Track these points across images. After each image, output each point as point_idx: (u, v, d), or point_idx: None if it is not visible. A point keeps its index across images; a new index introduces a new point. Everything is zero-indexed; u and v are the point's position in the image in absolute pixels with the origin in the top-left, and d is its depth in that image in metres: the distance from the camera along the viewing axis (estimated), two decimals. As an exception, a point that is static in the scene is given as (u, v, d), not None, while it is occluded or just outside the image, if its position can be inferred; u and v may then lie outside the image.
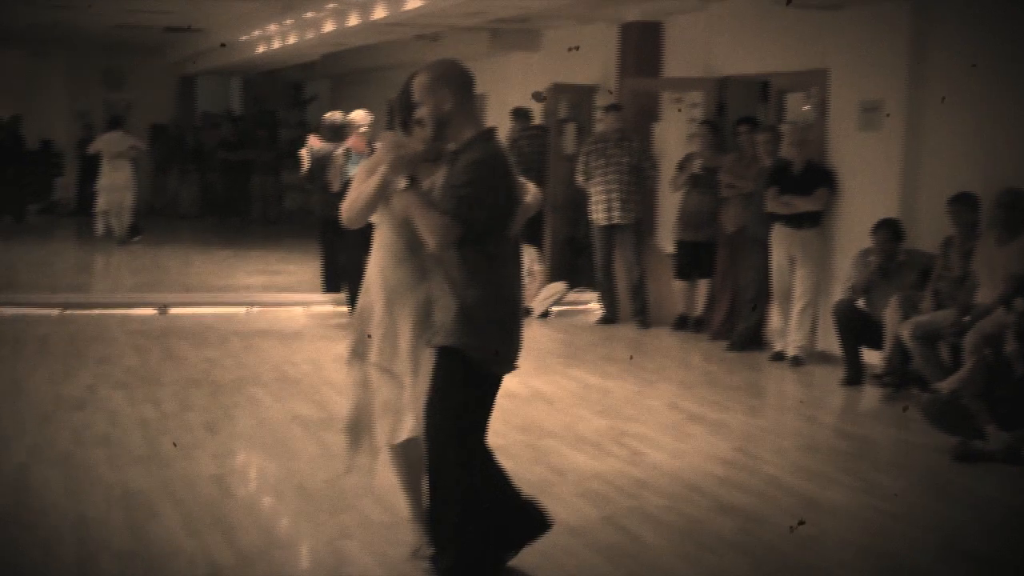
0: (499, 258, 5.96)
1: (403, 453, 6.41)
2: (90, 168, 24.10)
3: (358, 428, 6.44)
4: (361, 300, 6.44)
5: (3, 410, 9.89)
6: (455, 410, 5.98)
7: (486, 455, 6.17)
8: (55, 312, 14.86)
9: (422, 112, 6.01)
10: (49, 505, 7.45)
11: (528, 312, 15.32)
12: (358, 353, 6.44)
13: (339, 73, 28.01)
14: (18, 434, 9.13)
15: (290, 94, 33.28)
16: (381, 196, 6.10)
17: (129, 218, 23.09)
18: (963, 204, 10.98)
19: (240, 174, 28.80)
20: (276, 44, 22.94)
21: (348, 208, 6.25)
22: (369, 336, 6.35)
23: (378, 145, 6.25)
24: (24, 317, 14.52)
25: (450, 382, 5.97)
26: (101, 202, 23.16)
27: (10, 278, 18.21)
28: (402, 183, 5.94)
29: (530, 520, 6.37)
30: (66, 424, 9.46)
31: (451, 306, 5.92)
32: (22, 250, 22.02)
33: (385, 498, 7.46)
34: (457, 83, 6.01)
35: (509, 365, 6.11)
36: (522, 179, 6.28)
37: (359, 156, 13.83)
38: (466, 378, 5.96)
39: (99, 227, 23.37)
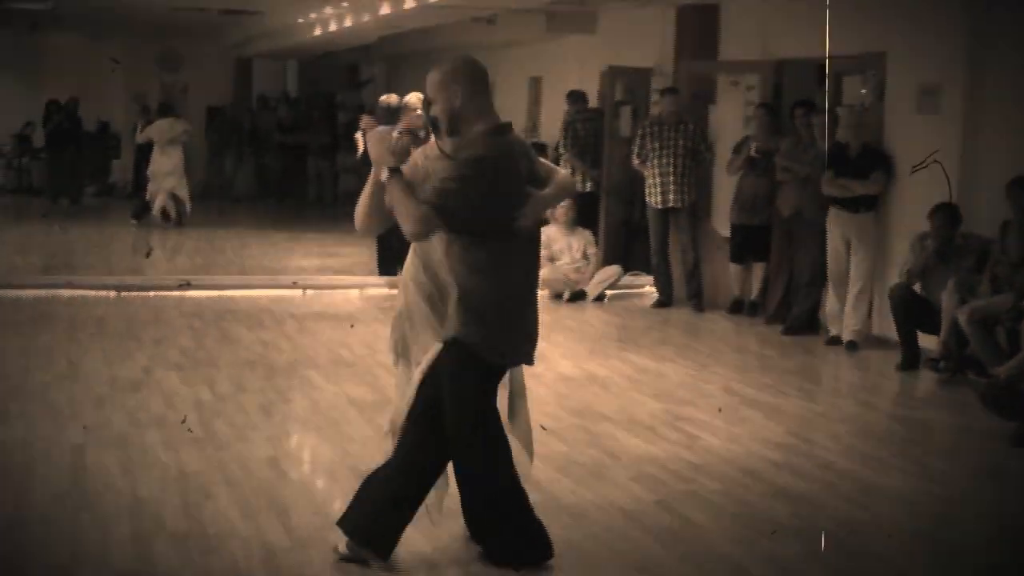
0: (505, 252, 6.01)
1: None
2: (147, 151, 24.13)
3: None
4: (400, 299, 6.46)
5: (60, 391, 9.95)
6: (472, 400, 6.08)
7: (505, 445, 6.25)
8: (111, 294, 14.95)
9: (435, 109, 6.08)
10: (105, 486, 7.50)
11: (583, 295, 15.30)
12: (399, 353, 6.48)
13: (395, 55, 28.01)
14: (75, 415, 9.19)
15: (346, 76, 33.31)
16: (378, 196, 6.11)
17: (180, 205, 23.05)
18: (1022, 188, 10.87)
19: (296, 157, 28.88)
20: (332, 26, 22.94)
21: (356, 216, 6.29)
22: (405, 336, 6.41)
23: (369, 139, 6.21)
24: (81, 299, 14.59)
25: (459, 373, 6.04)
26: (152, 188, 23.13)
27: (67, 260, 18.35)
28: (384, 174, 5.96)
29: (534, 540, 6.32)
30: (122, 405, 9.51)
31: (454, 299, 5.99)
32: (79, 232, 22.16)
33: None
34: (468, 78, 6.06)
35: (516, 358, 6.19)
36: (548, 164, 6.38)
37: (415, 138, 13.81)
38: (472, 369, 6.03)
39: (151, 211, 23.22)
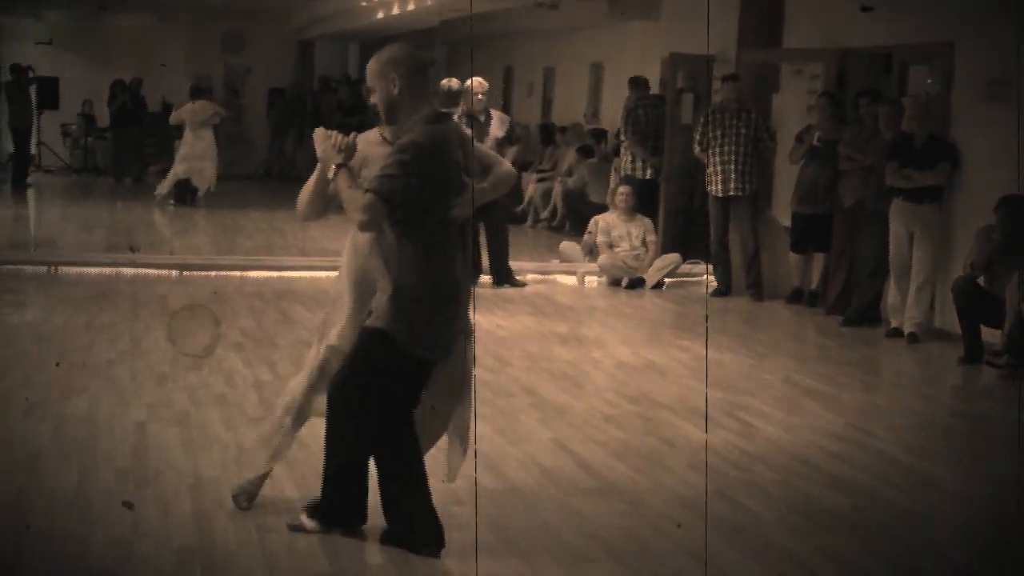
0: (436, 242, 6.05)
1: None
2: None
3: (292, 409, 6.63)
4: (334, 285, 6.70)
5: (122, 369, 10.04)
6: (361, 388, 6.13)
7: (404, 443, 6.25)
8: (173, 273, 15.05)
9: (374, 96, 6.18)
10: (167, 463, 7.57)
11: (641, 282, 15.29)
12: (321, 333, 6.61)
13: (456, 39, 28.05)
14: (137, 393, 9.28)
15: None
16: (319, 189, 6.28)
17: (203, 185, 23.06)
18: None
19: (357, 139, 28.92)
20: (395, 9, 22.99)
21: (298, 204, 6.48)
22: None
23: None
24: (143, 277, 14.72)
25: (365, 360, 6.11)
26: (180, 170, 22.81)
27: (131, 239, 18.47)
28: (331, 171, 6.07)
29: (426, 530, 6.28)
30: (183, 384, 9.59)
31: (384, 288, 6.06)
32: (142, 211, 22.32)
33: (497, 467, 7.51)
34: (404, 67, 6.14)
35: (441, 351, 6.16)
36: (491, 155, 6.53)
37: (474, 121, 13.87)
38: (386, 360, 6.06)
39: (164, 192, 22.97)
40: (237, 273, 15.30)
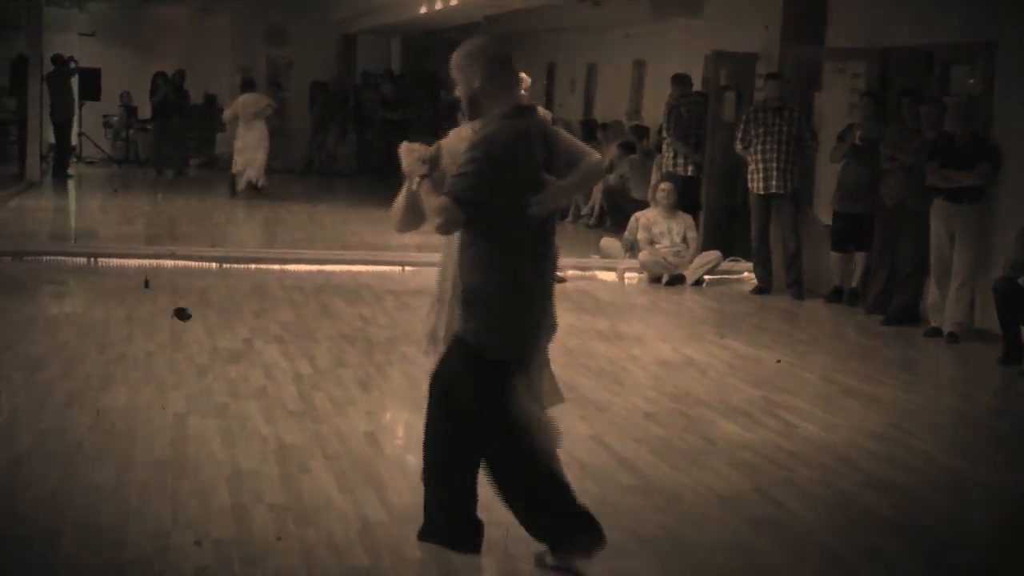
0: (510, 241, 5.88)
1: None
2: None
3: None
4: (437, 287, 6.65)
5: (162, 361, 10.08)
6: (445, 396, 6.03)
7: (511, 445, 6.05)
8: (214, 265, 15.10)
9: (457, 90, 6.06)
10: (206, 455, 7.59)
11: (681, 279, 15.27)
12: (433, 340, 6.58)
13: (500, 35, 28.05)
14: (177, 384, 9.31)
15: (450, 55, 33.29)
16: (410, 202, 6.17)
17: (255, 174, 23.38)
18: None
19: (399, 133, 28.90)
20: (438, 5, 23.02)
21: (392, 219, 6.40)
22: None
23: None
24: (184, 270, 14.78)
25: (447, 366, 6.04)
26: (239, 162, 23.49)
27: (171, 231, 18.56)
28: (415, 182, 6.00)
29: (580, 528, 6.03)
30: (223, 376, 9.63)
31: (458, 294, 6.00)
32: (183, 203, 22.41)
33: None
34: (486, 59, 6.00)
35: (518, 352, 6.00)
36: (579, 146, 6.21)
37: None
38: (465, 365, 5.95)
39: (238, 187, 23.52)
40: (277, 266, 15.34)
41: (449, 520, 6.16)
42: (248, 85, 24.32)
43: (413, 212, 6.21)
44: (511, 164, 5.82)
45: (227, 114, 24.26)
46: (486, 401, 5.98)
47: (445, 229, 5.88)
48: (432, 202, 5.83)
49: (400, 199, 6.28)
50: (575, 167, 6.07)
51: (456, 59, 6.06)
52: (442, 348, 6.34)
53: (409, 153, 6.06)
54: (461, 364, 5.98)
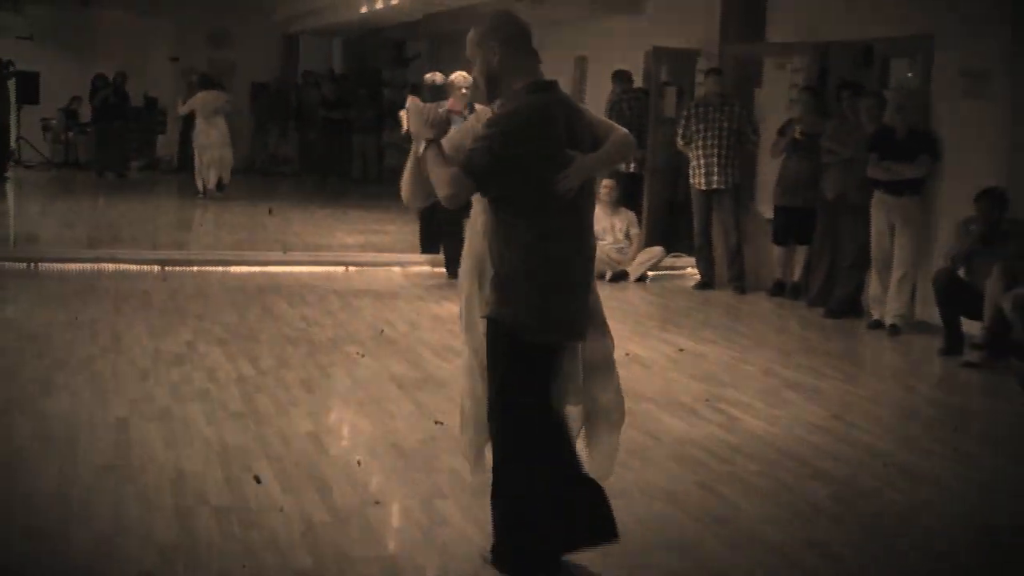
0: (541, 221, 5.63)
1: None
2: (192, 126, 24.32)
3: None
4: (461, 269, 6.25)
5: (104, 364, 10.01)
6: (500, 381, 5.75)
7: (556, 434, 5.88)
8: (156, 268, 15.01)
9: (474, 69, 5.83)
10: (148, 459, 7.54)
11: (625, 276, 15.30)
12: (466, 328, 6.22)
13: (440, 33, 28.03)
14: (119, 388, 9.24)
15: (392, 54, 33.33)
16: (416, 170, 5.89)
17: (223, 173, 23.55)
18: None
19: (341, 133, 28.92)
20: (378, 4, 22.98)
21: (402, 189, 6.07)
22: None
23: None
24: (125, 273, 14.69)
25: (493, 353, 5.76)
26: (204, 160, 23.53)
27: (113, 234, 18.41)
28: (421, 146, 5.70)
29: (597, 522, 5.97)
30: (165, 379, 9.57)
31: (490, 276, 5.76)
32: (125, 206, 22.25)
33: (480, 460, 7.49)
34: (505, 35, 5.77)
35: (559, 336, 5.77)
36: (606, 122, 5.98)
37: (459, 117, 13.83)
38: (508, 348, 5.70)
39: (199, 184, 23.66)
40: (220, 268, 15.28)
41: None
42: (206, 83, 24.28)
43: (420, 183, 5.89)
44: (530, 140, 5.58)
45: (183, 109, 24.20)
46: (520, 385, 5.74)
47: (452, 200, 5.56)
48: (441, 172, 5.56)
49: (408, 168, 5.96)
50: (601, 143, 5.85)
51: (474, 37, 5.80)
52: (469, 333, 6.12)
53: (418, 113, 5.73)
54: (493, 345, 5.75)
